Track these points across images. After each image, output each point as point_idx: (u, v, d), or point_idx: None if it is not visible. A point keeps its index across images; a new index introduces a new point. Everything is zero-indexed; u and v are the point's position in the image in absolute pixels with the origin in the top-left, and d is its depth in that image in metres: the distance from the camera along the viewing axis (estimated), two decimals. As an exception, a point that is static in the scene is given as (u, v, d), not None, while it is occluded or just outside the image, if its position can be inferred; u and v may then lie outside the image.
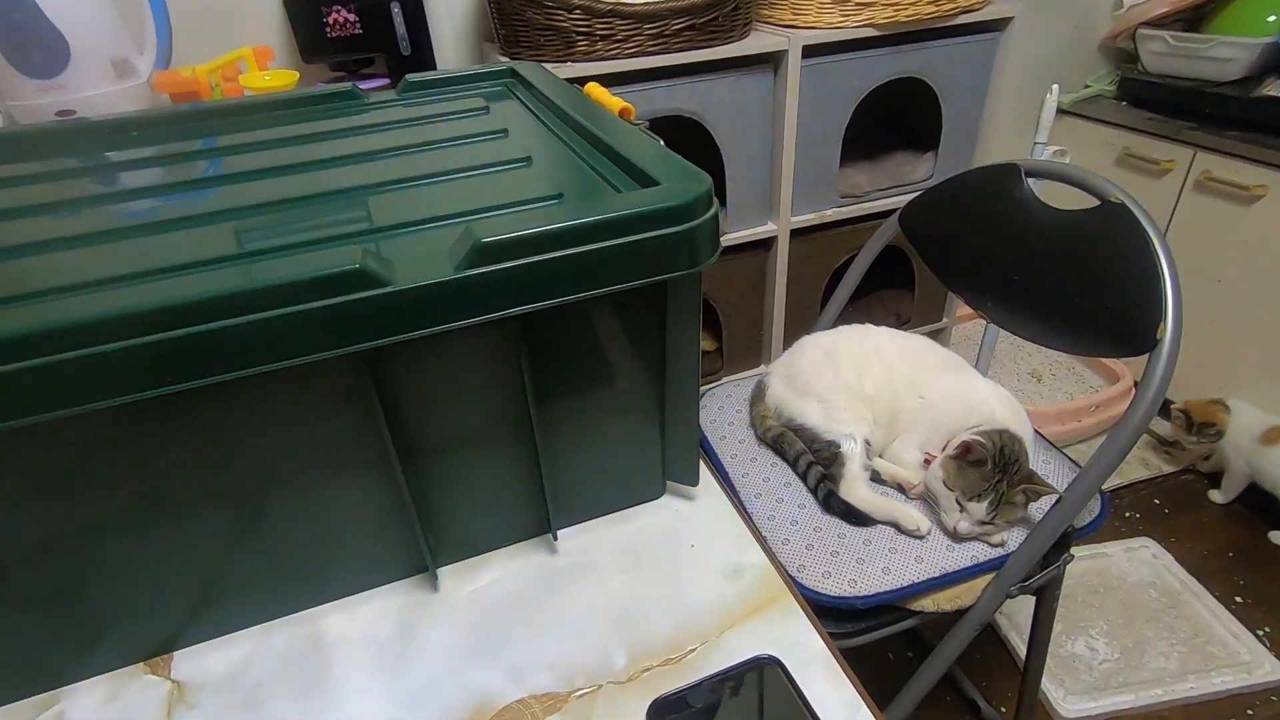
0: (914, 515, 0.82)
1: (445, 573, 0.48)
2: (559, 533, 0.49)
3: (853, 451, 0.87)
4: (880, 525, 0.83)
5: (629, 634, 0.43)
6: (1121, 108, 1.75)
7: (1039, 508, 0.83)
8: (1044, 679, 1.22)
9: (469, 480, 0.44)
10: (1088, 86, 1.85)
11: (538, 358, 0.41)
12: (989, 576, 0.81)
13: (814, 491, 0.88)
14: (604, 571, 0.47)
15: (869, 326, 1.02)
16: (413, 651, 0.43)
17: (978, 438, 0.79)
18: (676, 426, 0.48)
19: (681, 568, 0.47)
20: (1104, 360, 1.87)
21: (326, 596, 0.46)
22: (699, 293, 0.43)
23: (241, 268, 0.34)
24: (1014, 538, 0.81)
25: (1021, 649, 1.27)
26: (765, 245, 1.39)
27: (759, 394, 1.03)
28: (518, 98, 0.70)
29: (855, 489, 0.85)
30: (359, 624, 0.45)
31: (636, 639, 0.43)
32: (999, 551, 0.81)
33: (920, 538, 0.81)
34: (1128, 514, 1.58)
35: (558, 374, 0.42)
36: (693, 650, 0.42)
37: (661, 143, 0.50)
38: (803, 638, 0.42)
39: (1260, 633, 1.31)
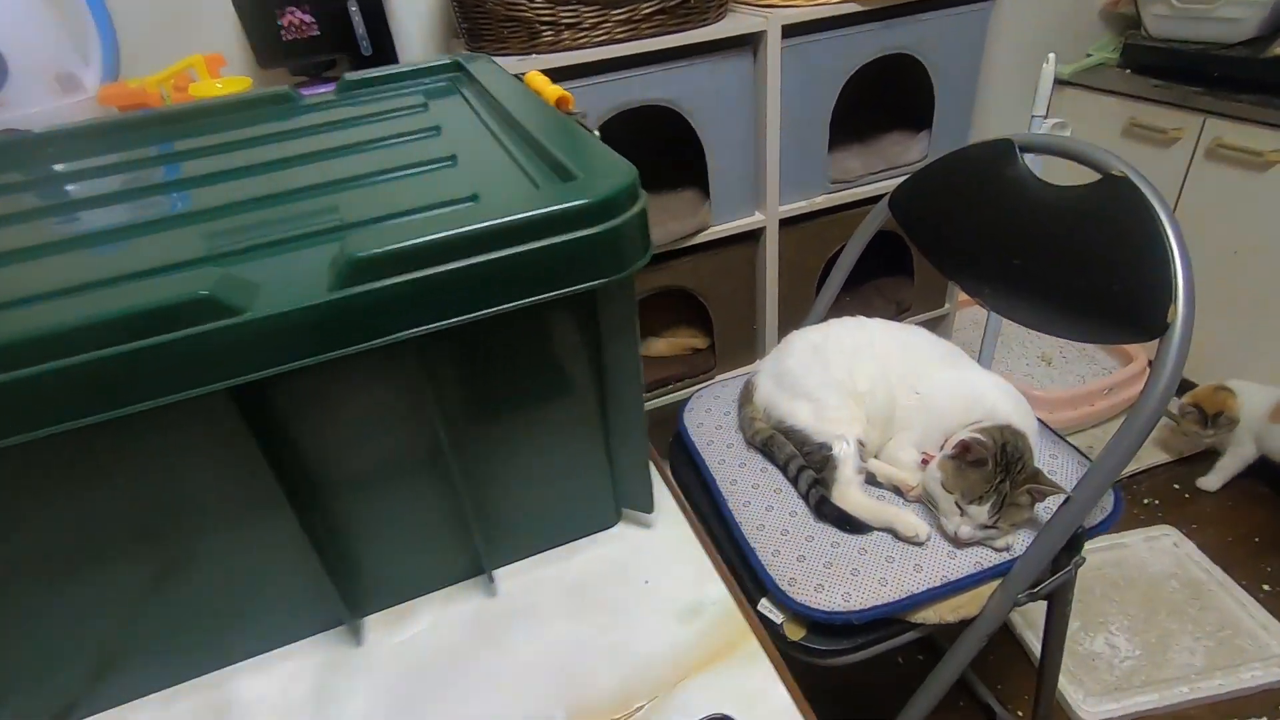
0: (912, 520, 0.77)
1: (371, 622, 0.43)
2: (498, 573, 0.44)
3: (845, 454, 0.82)
4: (876, 532, 0.78)
5: (570, 689, 0.38)
6: (1126, 76, 1.67)
7: (1046, 508, 0.77)
8: (1062, 680, 1.16)
9: (388, 520, 0.40)
10: (1089, 55, 1.78)
11: (450, 380, 0.36)
12: (994, 583, 0.75)
13: (805, 497, 0.83)
14: (546, 616, 0.42)
15: (861, 319, 0.96)
16: (327, 718, 0.38)
17: (977, 435, 0.74)
18: (623, 449, 0.43)
19: (633, 608, 0.42)
20: (1116, 340, 1.80)
21: (236, 656, 0.41)
22: (633, 300, 0.37)
23: (83, 299, 0.29)
24: (1020, 541, 0.76)
25: (1038, 647, 1.21)
26: (754, 237, 1.34)
27: (747, 395, 0.98)
28: (461, 93, 0.65)
29: (849, 493, 0.80)
30: (271, 687, 0.40)
31: (578, 695, 0.38)
32: (1004, 557, 0.75)
33: (919, 544, 0.76)
34: (1145, 500, 1.52)
35: (476, 398, 0.37)
36: (640, 708, 0.37)
37: (597, 134, 0.45)
38: (766, 690, 0.37)
39: (1292, 622, 1.24)
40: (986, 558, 0.75)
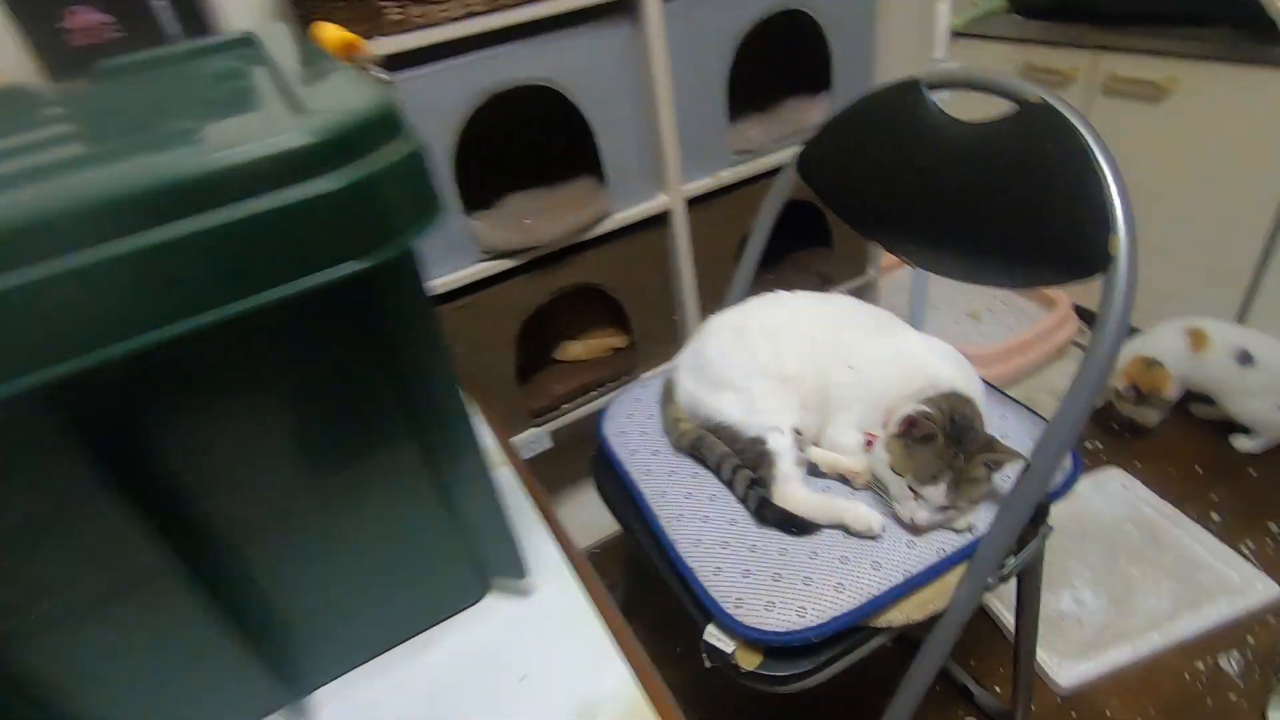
0: (863, 513, 0.68)
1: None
2: (321, 693, 0.32)
3: (781, 446, 0.74)
4: (826, 530, 0.70)
5: None
6: (1016, 21, 1.66)
7: (1005, 476, 0.69)
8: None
9: (114, 665, 0.27)
10: (976, 4, 1.76)
11: (154, 451, 0.23)
12: (960, 568, 0.67)
13: (744, 501, 0.74)
14: (384, 752, 0.30)
15: (780, 294, 0.88)
16: None
17: (922, 408, 0.66)
18: (468, 501, 0.31)
19: (506, 717, 0.30)
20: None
21: None
22: (421, 287, 0.26)
23: None
24: (982, 518, 0.68)
25: (1008, 619, 1.16)
26: (661, 220, 1.23)
27: (668, 393, 0.88)
28: (247, 69, 0.52)
29: (790, 490, 0.72)
30: None
31: None
32: (968, 538, 0.68)
33: (874, 538, 0.68)
34: (1088, 444, 1.50)
35: (205, 469, 0.25)
36: None
37: (388, 79, 0.32)
38: (691, 823, 0.26)
39: (1244, 548, 1.23)
40: (949, 542, 0.67)
